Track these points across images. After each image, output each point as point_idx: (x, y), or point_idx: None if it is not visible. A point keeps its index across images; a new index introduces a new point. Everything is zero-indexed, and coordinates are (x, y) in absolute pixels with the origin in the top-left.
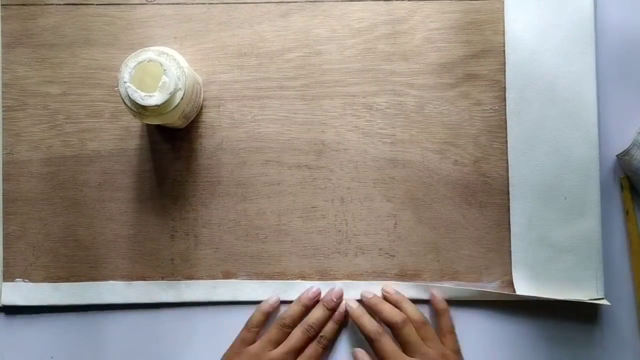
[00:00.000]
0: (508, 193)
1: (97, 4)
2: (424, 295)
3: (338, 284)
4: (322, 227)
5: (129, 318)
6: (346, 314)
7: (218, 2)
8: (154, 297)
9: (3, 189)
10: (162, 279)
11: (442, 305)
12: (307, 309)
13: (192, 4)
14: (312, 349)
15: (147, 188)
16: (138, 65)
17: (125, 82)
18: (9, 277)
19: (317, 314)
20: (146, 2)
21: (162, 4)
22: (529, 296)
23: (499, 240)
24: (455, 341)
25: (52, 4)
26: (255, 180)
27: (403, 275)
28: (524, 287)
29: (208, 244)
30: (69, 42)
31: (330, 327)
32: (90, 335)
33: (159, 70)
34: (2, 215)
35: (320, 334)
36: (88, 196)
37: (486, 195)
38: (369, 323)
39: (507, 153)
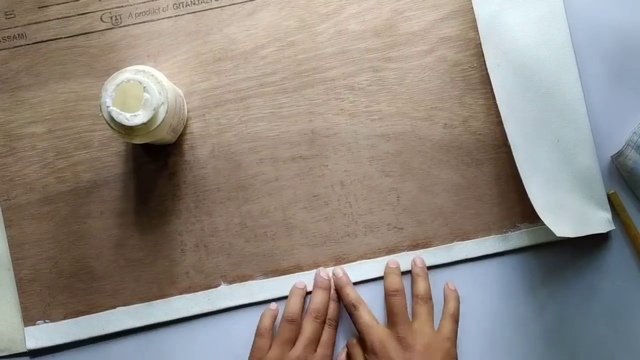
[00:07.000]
0: (502, 147)
1: (65, 37)
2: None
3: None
4: (328, 214)
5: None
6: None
7: (184, 13)
8: (180, 312)
9: (8, 236)
10: (181, 294)
11: (452, 292)
12: (303, 298)
13: (159, 19)
14: (327, 333)
15: (148, 208)
16: (117, 87)
17: (107, 106)
18: (29, 320)
19: (318, 298)
20: (113, 26)
21: (129, 25)
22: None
23: (502, 194)
24: (453, 329)
25: (21, 45)
26: (253, 180)
27: (415, 246)
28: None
29: (219, 251)
30: (44, 79)
31: (332, 307)
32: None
33: (139, 89)
34: (12, 262)
35: (327, 316)
36: (92, 227)
37: (481, 152)
38: (350, 293)
39: (495, 107)
